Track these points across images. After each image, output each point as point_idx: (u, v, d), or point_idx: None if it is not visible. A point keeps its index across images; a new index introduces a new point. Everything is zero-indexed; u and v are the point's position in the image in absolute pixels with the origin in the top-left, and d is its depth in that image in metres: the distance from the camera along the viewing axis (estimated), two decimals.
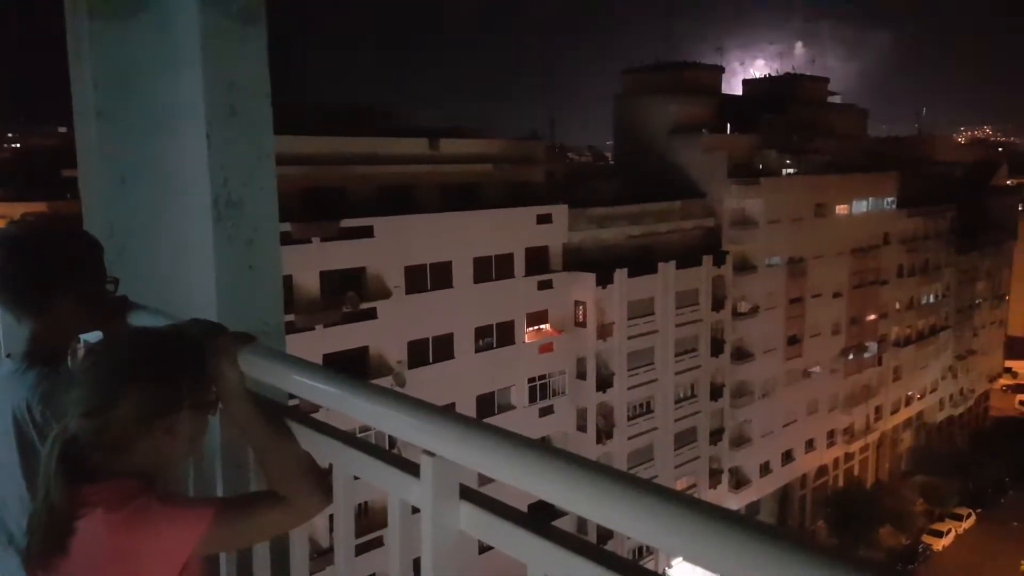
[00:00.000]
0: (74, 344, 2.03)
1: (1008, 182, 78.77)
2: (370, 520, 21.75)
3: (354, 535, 1.70)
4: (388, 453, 1.56)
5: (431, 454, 1.35)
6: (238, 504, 1.61)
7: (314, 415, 1.73)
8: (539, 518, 1.27)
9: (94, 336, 2.07)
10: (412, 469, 1.43)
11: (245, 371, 1.67)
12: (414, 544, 1.42)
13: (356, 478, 1.64)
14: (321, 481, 1.61)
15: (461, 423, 1.32)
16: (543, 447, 1.20)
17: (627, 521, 1.07)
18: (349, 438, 1.63)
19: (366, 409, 1.50)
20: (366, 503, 22.00)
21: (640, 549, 33.48)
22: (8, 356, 2.01)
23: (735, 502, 42.26)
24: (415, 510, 1.44)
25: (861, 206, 50.49)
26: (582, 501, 1.12)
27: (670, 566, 34.03)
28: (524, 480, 1.20)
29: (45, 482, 1.51)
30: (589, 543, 1.20)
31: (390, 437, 1.52)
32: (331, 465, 1.66)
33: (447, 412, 1.36)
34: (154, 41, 2.49)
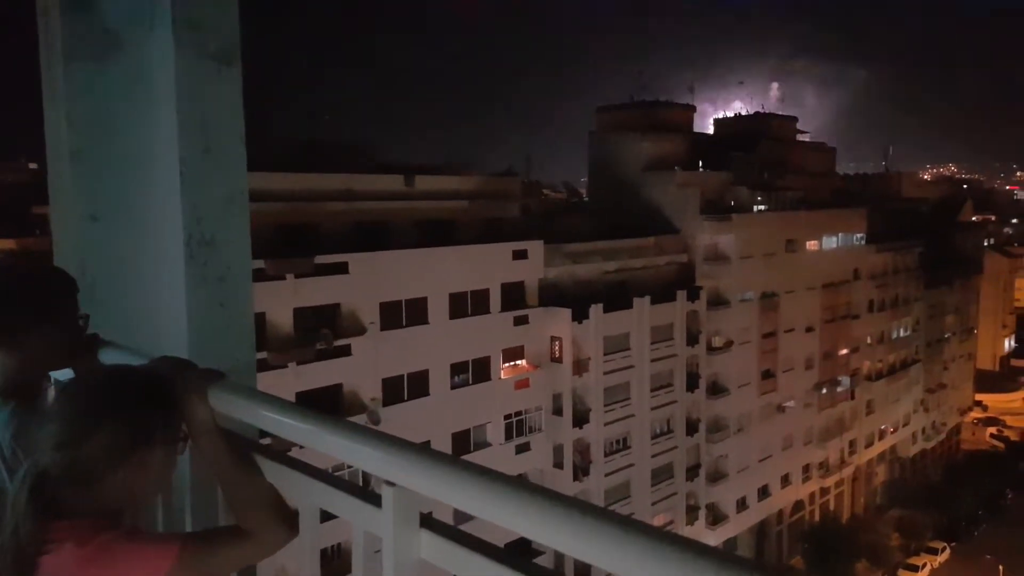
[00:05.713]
0: (45, 382, 2.04)
1: (974, 218, 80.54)
2: (343, 563, 21.38)
3: (319, 565, 1.72)
4: (352, 485, 1.59)
5: (392, 484, 1.39)
6: (204, 538, 1.62)
7: (288, 454, 1.76)
8: (499, 547, 1.29)
9: (65, 374, 2.07)
10: (375, 500, 1.47)
11: (215, 407, 1.69)
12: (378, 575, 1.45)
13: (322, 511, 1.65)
14: (286, 515, 1.63)
15: (420, 453, 1.36)
16: (500, 475, 1.24)
17: (579, 545, 1.10)
18: (314, 471, 1.66)
19: (331, 442, 1.54)
20: (339, 545, 21.64)
21: None
22: None
23: (712, 539, 41.99)
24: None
25: (831, 242, 51.24)
26: (537, 526, 1.16)
27: None
28: (480, 507, 1.23)
29: (14, 517, 1.51)
30: (547, 569, 1.23)
31: (363, 476, 1.55)
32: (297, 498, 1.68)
33: (407, 443, 1.40)
34: (129, 80, 2.51)
